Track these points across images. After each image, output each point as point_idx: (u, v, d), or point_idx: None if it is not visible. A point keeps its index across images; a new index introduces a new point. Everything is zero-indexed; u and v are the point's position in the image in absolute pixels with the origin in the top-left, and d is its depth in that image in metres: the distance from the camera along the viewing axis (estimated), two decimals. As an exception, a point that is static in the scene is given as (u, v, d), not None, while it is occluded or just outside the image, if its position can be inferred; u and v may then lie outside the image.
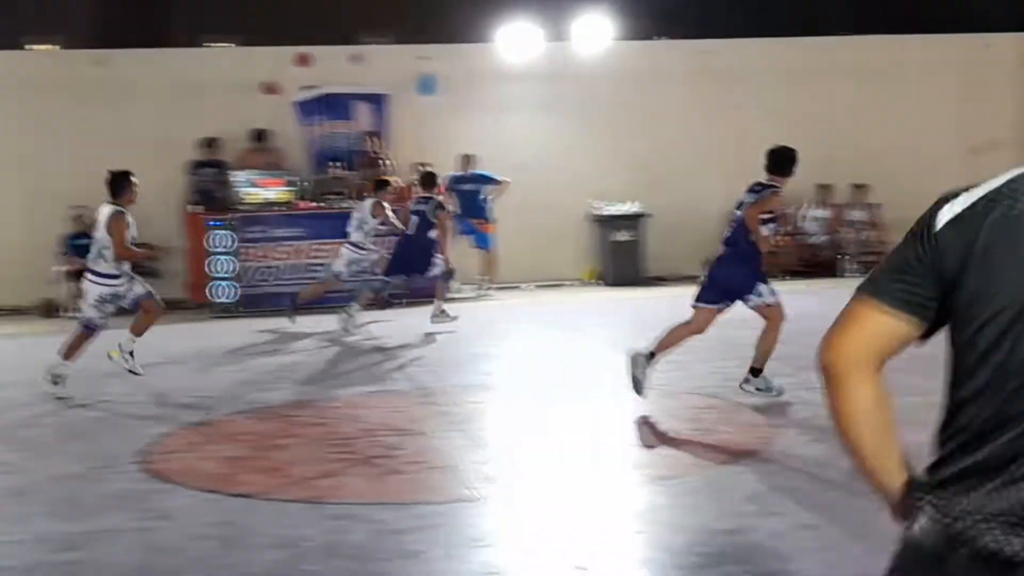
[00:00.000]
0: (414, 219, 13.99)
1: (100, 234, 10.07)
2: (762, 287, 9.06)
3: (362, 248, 14.08)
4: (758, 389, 9.09)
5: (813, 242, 18.88)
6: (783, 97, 19.12)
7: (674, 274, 17.81)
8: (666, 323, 9.06)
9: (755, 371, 9.10)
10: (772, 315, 9.04)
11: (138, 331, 10.47)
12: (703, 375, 10.07)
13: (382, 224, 14.15)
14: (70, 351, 10.15)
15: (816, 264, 18.74)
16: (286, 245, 16.18)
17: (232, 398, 10.08)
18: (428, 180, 14.49)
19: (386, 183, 14.43)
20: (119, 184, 10.11)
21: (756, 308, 9.12)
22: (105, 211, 10.13)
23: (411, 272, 14.11)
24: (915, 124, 19.35)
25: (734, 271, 9.07)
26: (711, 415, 8.71)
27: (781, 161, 9.16)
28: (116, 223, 9.99)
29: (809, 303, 9.66)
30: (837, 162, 18.75)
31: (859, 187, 18.99)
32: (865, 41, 20.29)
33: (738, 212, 9.17)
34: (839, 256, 18.62)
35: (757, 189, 9.08)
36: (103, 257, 10.02)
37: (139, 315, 10.41)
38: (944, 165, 18.05)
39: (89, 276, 10.25)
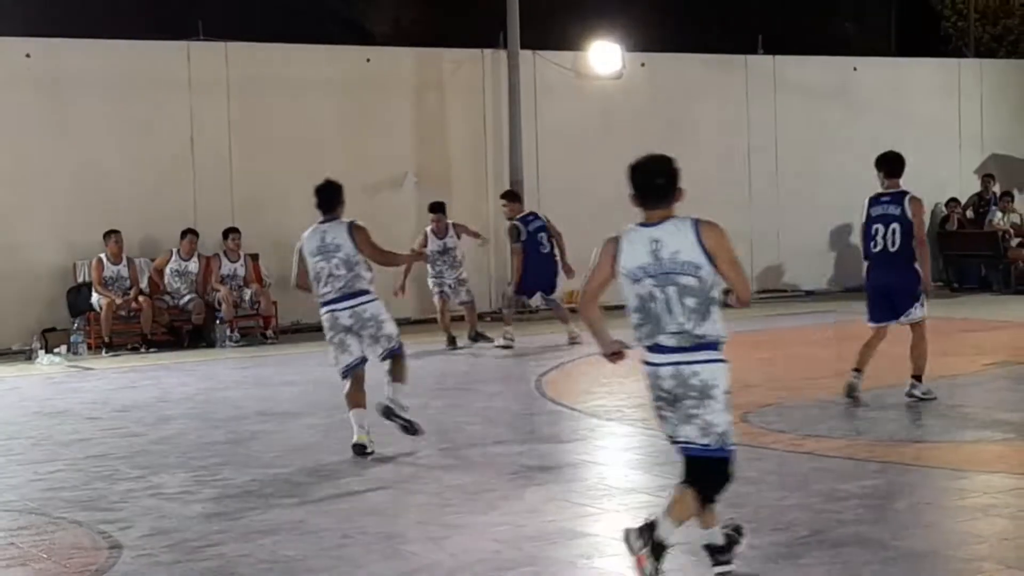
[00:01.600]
0: (542, 236, 17.00)
1: None
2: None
3: None
4: (924, 395, 11.34)
5: (180, 304, 17.81)
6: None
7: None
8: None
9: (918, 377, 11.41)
10: (923, 328, 11.40)
11: None
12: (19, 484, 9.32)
13: None
14: None
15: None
16: None
17: None
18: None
19: None
20: None
21: (912, 321, 11.37)
22: None
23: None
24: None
25: (910, 277, 11.25)
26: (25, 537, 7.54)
27: (902, 165, 11.58)
28: None
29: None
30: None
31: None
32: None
33: (892, 224, 11.23)
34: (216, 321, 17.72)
35: (895, 198, 11.29)
36: None
37: None
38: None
39: None
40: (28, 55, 17.96)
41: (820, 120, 22.84)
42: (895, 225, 11.22)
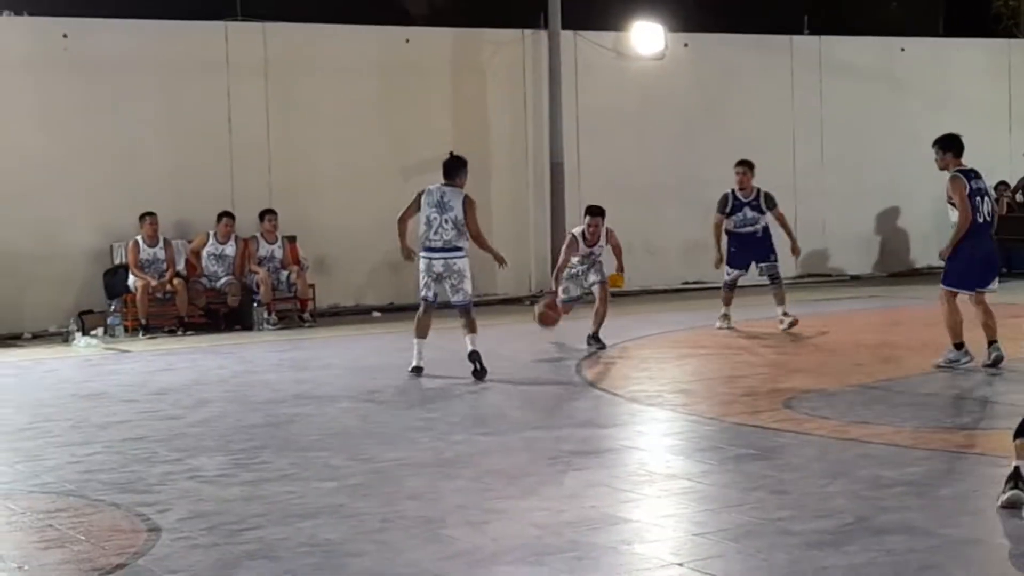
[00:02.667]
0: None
1: None
2: None
3: None
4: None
5: (216, 286, 17.92)
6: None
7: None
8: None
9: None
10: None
11: None
12: (56, 466, 9.33)
13: None
14: None
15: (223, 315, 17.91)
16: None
17: None
18: None
19: None
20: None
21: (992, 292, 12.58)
22: None
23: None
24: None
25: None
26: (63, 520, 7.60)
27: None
28: None
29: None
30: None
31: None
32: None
33: (990, 196, 12.58)
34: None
35: (980, 175, 12.38)
36: None
37: None
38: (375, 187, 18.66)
39: None
40: (65, 35, 18.08)
41: (866, 102, 22.71)
42: (988, 199, 12.45)
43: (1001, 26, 35.18)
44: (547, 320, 14.78)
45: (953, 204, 12.50)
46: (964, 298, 12.42)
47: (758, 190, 16.19)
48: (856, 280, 22.56)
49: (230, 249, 18.03)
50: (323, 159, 19.29)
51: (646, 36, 21.45)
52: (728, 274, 16.28)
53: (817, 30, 23.85)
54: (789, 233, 16.38)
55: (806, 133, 22.47)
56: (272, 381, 13.28)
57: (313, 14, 20.78)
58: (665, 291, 21.18)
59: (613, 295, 19.84)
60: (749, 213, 16.07)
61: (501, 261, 13.46)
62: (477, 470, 8.79)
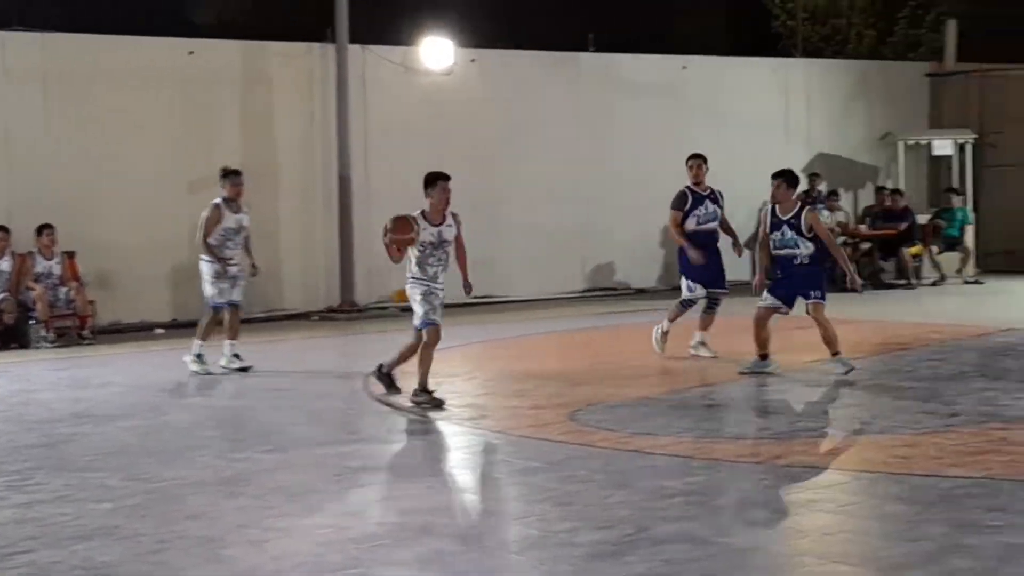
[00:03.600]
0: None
1: None
2: None
3: None
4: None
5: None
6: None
7: None
8: None
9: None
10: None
11: None
12: None
13: None
14: None
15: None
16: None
17: None
18: None
19: None
20: None
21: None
22: None
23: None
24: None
25: None
26: None
27: None
28: None
29: None
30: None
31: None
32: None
33: None
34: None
35: None
36: None
37: None
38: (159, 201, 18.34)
39: None
40: None
41: (651, 118, 23.10)
42: None
43: (780, 45, 36.21)
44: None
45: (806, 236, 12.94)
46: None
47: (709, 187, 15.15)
48: (641, 293, 22.88)
49: (5, 265, 17.45)
50: (105, 172, 18.84)
51: (435, 51, 21.50)
52: (691, 290, 14.82)
53: (603, 48, 24.19)
54: (733, 233, 15.34)
55: (593, 148, 22.72)
56: (49, 400, 12.88)
57: (95, 25, 20.32)
58: (453, 305, 21.19)
59: (402, 309, 19.87)
60: (710, 206, 14.94)
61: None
62: (259, 488, 8.63)
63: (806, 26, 35.65)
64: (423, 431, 10.98)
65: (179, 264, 14.05)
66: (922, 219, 24.21)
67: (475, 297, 21.19)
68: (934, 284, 23.27)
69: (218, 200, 14.25)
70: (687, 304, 14.75)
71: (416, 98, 21.32)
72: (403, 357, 11.94)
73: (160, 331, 18.53)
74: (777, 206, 13.22)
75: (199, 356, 14.11)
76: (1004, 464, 8.78)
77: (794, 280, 13.00)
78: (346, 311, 20.01)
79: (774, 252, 13.15)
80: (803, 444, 10.00)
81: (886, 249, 23.31)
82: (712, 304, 14.63)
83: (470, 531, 7.57)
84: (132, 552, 7.06)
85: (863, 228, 23.74)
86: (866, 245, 23.17)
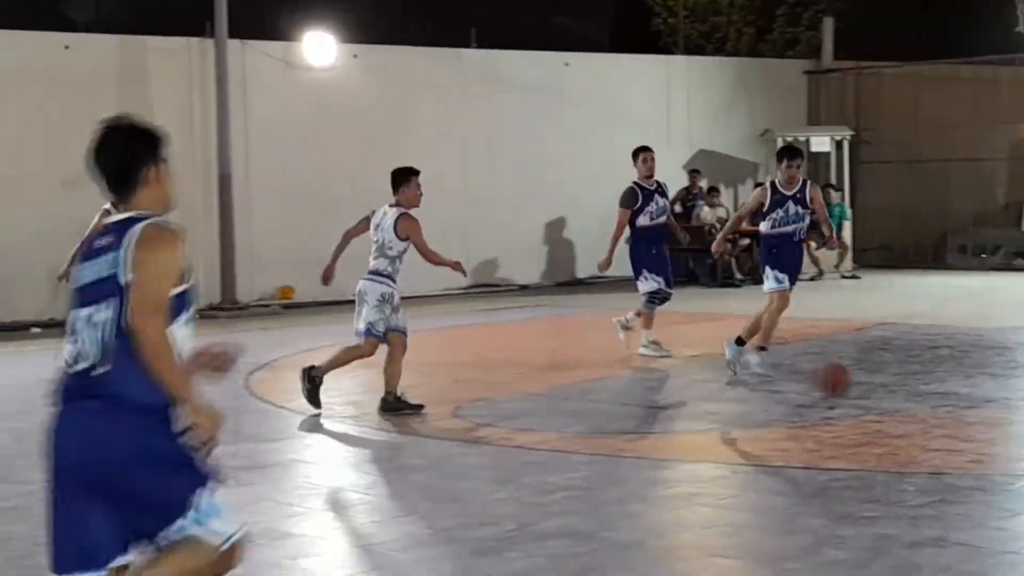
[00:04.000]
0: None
1: None
2: None
3: None
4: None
5: None
6: None
7: None
8: None
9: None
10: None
11: None
12: None
13: None
14: None
15: None
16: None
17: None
18: None
19: None
20: None
21: None
22: None
23: None
24: None
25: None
26: None
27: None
28: None
29: None
30: None
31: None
32: None
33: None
34: None
35: None
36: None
37: None
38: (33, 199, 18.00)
39: None
40: None
41: (534, 115, 23.16)
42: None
43: (661, 42, 36.52)
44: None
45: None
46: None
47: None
48: (525, 289, 22.94)
49: None
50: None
51: (316, 47, 21.37)
52: (656, 282, 14.13)
53: (488, 43, 24.22)
54: (675, 227, 15.23)
55: (476, 144, 22.74)
56: None
57: (-34, 18, 19.93)
58: (338, 302, 21.10)
59: (285, 307, 19.78)
60: (660, 200, 14.49)
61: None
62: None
63: (686, 24, 36.01)
64: (307, 430, 10.90)
65: (55, 263, 13.75)
66: (801, 215, 24.55)
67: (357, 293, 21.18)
68: (812, 279, 23.58)
69: (107, 206, 14.00)
70: (654, 298, 14.17)
71: (298, 94, 21.16)
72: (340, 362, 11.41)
73: (36, 330, 18.22)
74: (781, 184, 12.88)
75: None
76: (879, 457, 8.96)
77: (796, 257, 12.90)
78: (227, 308, 19.82)
79: (774, 230, 12.70)
80: (684, 438, 10.13)
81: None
82: (662, 302, 14.30)
83: (355, 529, 7.57)
84: (5, 556, 6.96)
85: (744, 224, 24.01)
86: (745, 241, 23.44)
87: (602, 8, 40.07)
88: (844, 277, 23.81)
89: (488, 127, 22.91)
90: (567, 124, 23.18)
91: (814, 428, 10.07)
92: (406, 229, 11.04)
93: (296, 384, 11.31)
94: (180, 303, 4.66)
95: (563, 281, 23.48)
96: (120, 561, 4.60)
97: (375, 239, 11.21)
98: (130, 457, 4.56)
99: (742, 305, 17.97)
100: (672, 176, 24.23)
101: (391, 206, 11.21)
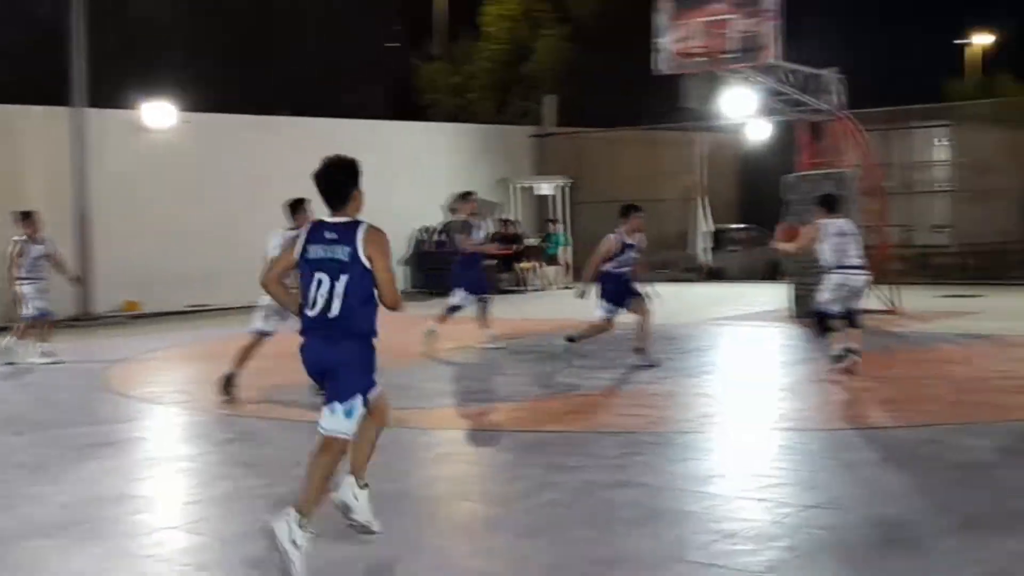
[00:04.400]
0: None
1: None
2: None
3: None
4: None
5: None
6: None
7: None
8: None
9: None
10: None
11: None
12: None
13: None
14: None
15: None
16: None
17: None
18: None
19: None
20: None
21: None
22: None
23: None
24: None
25: None
26: None
27: None
28: None
29: None
30: None
31: None
32: None
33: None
34: None
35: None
36: None
37: None
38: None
39: None
40: None
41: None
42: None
43: (427, 112, 36.61)
44: None
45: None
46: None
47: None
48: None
49: None
50: None
51: (157, 113, 20.82)
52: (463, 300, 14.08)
53: (297, 112, 23.91)
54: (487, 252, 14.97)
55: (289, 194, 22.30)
56: None
57: None
58: (168, 313, 20.48)
59: (132, 317, 19.14)
60: (481, 233, 14.35)
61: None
62: (6, 464, 8.16)
63: (445, 98, 36.28)
64: (145, 413, 10.58)
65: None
66: (531, 242, 24.95)
67: (188, 306, 20.65)
68: (540, 290, 24.00)
69: (20, 238, 13.65)
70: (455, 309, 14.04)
71: (143, 150, 20.56)
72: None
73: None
74: (630, 236, 12.21)
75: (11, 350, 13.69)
76: (582, 420, 9.15)
77: (629, 287, 12.26)
78: (85, 319, 19.07)
79: (615, 270, 12.12)
80: (440, 411, 10.16)
81: (505, 264, 23.90)
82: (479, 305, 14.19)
83: (184, 489, 7.40)
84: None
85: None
86: (491, 262, 23.68)
87: (378, 85, 40.08)
88: (566, 288, 24.22)
89: (298, 179, 22.48)
90: (377, 181, 22.97)
91: (538, 401, 10.23)
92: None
93: (142, 376, 11.01)
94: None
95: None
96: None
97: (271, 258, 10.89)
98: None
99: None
100: (435, 212, 24.37)
101: (289, 229, 10.77)
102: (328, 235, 5.52)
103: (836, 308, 11.06)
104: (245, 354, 10.59)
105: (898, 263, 19.08)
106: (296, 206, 11.15)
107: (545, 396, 10.52)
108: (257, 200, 21.74)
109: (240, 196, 21.02)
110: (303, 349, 5.59)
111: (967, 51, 53.47)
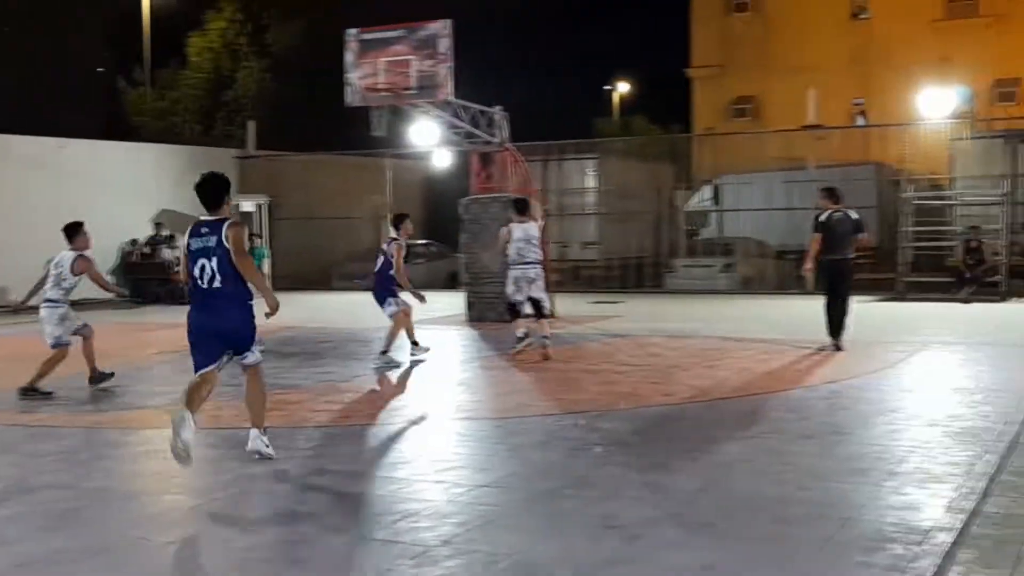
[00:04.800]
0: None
1: None
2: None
3: None
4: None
5: None
6: None
7: None
8: None
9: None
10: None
11: None
12: None
13: None
14: None
15: None
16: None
17: None
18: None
19: None
20: None
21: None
22: None
23: None
24: None
25: None
26: None
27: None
28: None
29: None
30: None
31: None
32: None
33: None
34: None
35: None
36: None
37: None
38: None
39: None
40: None
41: (37, 184, 21.45)
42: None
43: (134, 133, 34.96)
44: None
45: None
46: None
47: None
48: (32, 310, 21.06)
49: None
50: None
51: None
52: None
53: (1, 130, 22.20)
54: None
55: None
56: None
57: None
58: None
59: None
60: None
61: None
62: None
63: (151, 121, 34.78)
64: None
65: None
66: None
67: None
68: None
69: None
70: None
71: None
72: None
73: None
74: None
75: None
76: (282, 417, 8.97)
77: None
78: None
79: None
80: (141, 413, 9.68)
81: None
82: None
83: None
84: None
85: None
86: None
87: (93, 106, 38.08)
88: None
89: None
90: (61, 193, 21.61)
91: (236, 400, 9.93)
92: (81, 266, 10.49)
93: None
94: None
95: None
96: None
97: (53, 274, 10.57)
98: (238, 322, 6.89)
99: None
100: (143, 226, 23.26)
101: (70, 250, 10.59)
102: (203, 229, 6.76)
103: (520, 297, 12.12)
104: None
105: (555, 274, 19.93)
106: (75, 229, 10.79)
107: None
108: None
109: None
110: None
111: (613, 96, 56.67)
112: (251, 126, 28.81)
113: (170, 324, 17.33)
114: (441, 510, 5.91)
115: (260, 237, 25.14)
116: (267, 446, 7.11)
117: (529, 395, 10.00)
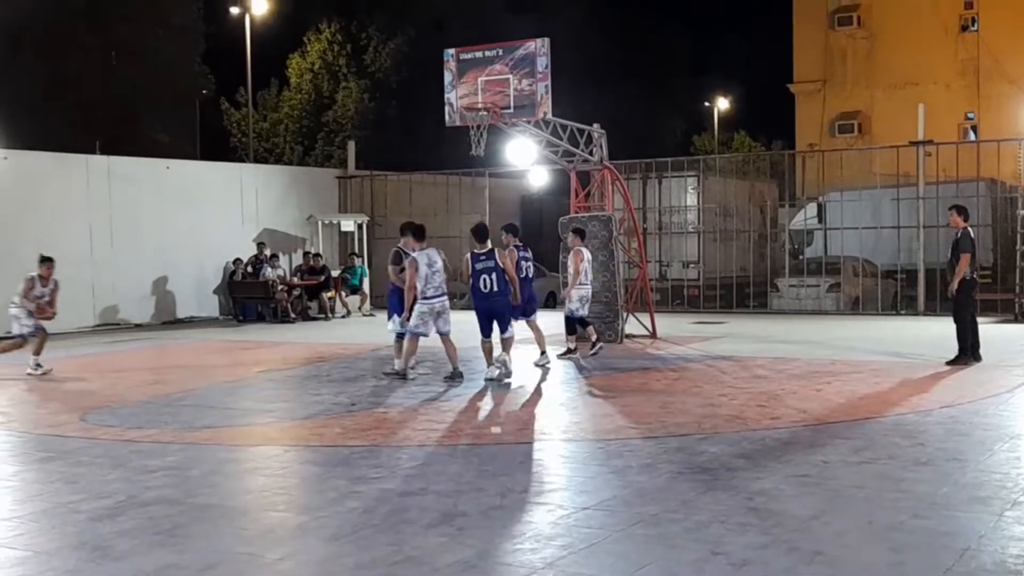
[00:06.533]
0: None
1: None
2: None
3: None
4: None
5: None
6: None
7: None
8: None
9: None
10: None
11: None
12: None
13: None
14: None
15: None
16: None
17: None
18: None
19: None
20: None
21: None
22: None
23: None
24: None
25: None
26: None
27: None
28: None
29: None
30: None
31: None
32: None
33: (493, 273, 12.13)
34: None
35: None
36: None
37: None
38: None
39: None
40: None
41: (143, 203, 22.12)
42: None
43: (236, 154, 35.86)
44: None
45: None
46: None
47: None
48: (139, 327, 21.80)
49: None
50: None
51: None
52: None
53: (106, 152, 22.92)
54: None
55: (99, 225, 21.43)
56: None
57: None
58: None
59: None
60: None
61: None
62: None
63: (254, 142, 35.55)
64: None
65: None
66: (335, 273, 24.65)
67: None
68: (343, 317, 23.71)
69: (33, 275, 13.81)
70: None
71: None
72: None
73: None
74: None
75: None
76: (383, 435, 9.07)
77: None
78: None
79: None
80: (249, 429, 9.89)
81: (311, 293, 23.55)
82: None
83: (1, 507, 6.95)
84: None
85: (295, 279, 23.83)
86: (297, 291, 23.29)
87: (191, 127, 39.11)
88: (364, 315, 24.04)
89: (108, 212, 21.64)
90: (168, 210, 22.27)
91: (341, 418, 10.09)
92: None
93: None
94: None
95: (167, 320, 22.47)
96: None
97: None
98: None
99: (294, 335, 17.81)
100: (247, 247, 23.79)
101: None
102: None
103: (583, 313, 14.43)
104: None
105: (655, 294, 19.74)
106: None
107: (346, 413, 10.37)
108: (73, 231, 20.79)
109: (54, 228, 19.99)
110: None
111: (714, 112, 56.13)
112: (351, 146, 29.31)
113: (270, 343, 17.71)
114: (544, 532, 5.89)
115: (360, 256, 25.52)
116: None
117: (631, 417, 9.92)
